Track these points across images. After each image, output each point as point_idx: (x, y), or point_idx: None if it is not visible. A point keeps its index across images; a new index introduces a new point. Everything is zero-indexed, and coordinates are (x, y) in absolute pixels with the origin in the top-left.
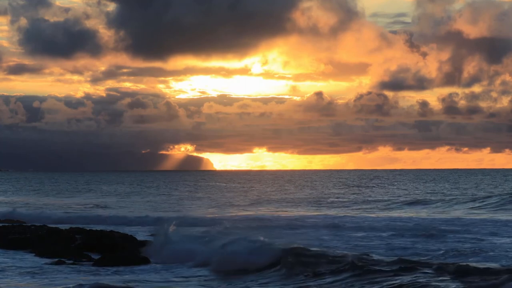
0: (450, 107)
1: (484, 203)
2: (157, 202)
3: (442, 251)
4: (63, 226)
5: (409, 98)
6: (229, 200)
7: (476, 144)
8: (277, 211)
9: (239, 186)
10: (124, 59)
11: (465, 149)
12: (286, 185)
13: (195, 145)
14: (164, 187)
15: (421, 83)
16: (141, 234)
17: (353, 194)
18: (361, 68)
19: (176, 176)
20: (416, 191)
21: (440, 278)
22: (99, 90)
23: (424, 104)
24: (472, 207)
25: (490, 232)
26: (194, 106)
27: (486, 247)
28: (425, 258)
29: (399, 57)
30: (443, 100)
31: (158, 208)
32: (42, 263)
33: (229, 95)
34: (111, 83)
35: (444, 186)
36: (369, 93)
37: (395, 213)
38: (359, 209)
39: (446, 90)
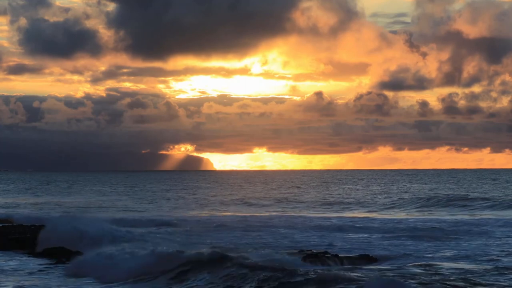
0: (450, 107)
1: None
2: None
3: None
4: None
5: (409, 98)
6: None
7: (476, 144)
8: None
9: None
10: (124, 59)
11: (465, 149)
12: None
13: (195, 145)
14: (154, 188)
15: (421, 83)
16: None
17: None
18: (361, 68)
19: (173, 175)
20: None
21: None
22: (99, 90)
23: (424, 104)
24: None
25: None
26: (194, 106)
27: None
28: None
29: (399, 57)
30: (443, 100)
31: (132, 208)
32: (41, 263)
33: (229, 95)
34: (111, 83)
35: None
36: (369, 93)
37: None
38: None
39: (446, 90)
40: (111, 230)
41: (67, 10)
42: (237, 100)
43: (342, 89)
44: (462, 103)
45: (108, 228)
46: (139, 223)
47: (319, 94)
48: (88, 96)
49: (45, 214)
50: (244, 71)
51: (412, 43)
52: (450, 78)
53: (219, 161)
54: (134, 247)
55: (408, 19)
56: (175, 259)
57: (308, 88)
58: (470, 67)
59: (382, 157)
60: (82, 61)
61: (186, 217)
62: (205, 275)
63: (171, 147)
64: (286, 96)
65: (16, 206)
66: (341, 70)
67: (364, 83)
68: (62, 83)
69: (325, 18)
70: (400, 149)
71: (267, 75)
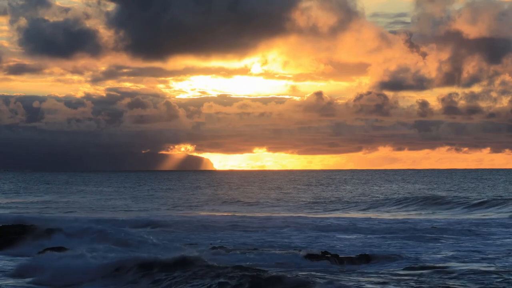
0: (450, 107)
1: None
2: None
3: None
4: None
5: (409, 98)
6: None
7: (476, 144)
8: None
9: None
10: (124, 59)
11: (465, 149)
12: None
13: (195, 145)
14: (145, 188)
15: (421, 83)
16: None
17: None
18: (361, 68)
19: (173, 175)
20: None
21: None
22: (99, 90)
23: (424, 104)
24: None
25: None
26: (194, 106)
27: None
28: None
29: (398, 57)
30: (443, 100)
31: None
32: None
33: (229, 95)
34: (111, 83)
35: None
36: (369, 93)
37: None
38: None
39: (446, 90)
40: (98, 231)
41: (67, 10)
42: (237, 100)
43: (342, 89)
44: (462, 103)
45: (92, 229)
46: (136, 223)
47: (319, 94)
48: (88, 96)
49: (36, 214)
50: (244, 71)
51: (412, 43)
52: (450, 78)
53: (219, 161)
54: (105, 250)
55: (408, 19)
56: (135, 263)
57: (308, 88)
58: (470, 67)
59: (382, 157)
60: (82, 61)
61: (185, 217)
62: (166, 276)
63: (171, 147)
64: (286, 96)
65: (15, 206)
66: (341, 70)
67: (364, 83)
68: (62, 83)
69: (325, 18)
70: (400, 149)
71: (267, 75)
